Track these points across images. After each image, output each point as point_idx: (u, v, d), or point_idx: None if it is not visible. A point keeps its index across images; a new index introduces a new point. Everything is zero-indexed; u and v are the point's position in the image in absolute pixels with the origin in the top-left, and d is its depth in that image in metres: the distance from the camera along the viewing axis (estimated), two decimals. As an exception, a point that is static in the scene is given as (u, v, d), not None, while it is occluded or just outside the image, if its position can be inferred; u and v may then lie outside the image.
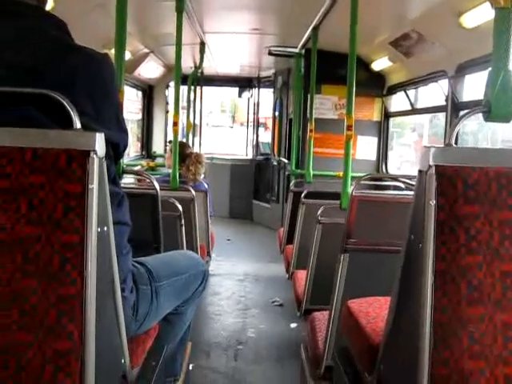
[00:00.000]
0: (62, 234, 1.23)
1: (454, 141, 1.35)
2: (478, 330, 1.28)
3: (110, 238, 1.39)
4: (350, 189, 3.32)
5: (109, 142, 1.44)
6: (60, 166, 1.23)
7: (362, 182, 2.85)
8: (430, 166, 1.31)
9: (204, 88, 8.90)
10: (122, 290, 1.59)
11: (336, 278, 2.55)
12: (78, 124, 1.27)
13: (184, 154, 4.84)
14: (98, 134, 1.25)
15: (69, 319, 1.24)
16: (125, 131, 1.60)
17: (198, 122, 8.45)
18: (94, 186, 1.24)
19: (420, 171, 1.37)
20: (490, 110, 1.38)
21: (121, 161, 2.91)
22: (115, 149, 1.54)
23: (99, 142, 1.26)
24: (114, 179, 1.60)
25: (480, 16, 3.54)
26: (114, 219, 1.42)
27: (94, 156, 1.24)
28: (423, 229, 1.30)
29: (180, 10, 4.16)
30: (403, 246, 1.49)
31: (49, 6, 2.92)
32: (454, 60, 4.32)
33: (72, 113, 1.27)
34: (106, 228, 1.34)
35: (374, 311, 1.95)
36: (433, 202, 1.29)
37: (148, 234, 2.80)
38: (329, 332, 2.56)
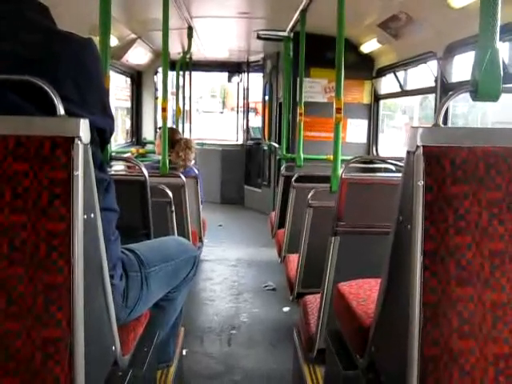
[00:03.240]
0: (47, 221, 1.22)
1: (441, 121, 1.34)
2: (467, 310, 1.28)
3: (97, 225, 1.38)
4: (339, 172, 3.31)
5: (94, 128, 1.42)
6: (44, 153, 1.22)
7: (353, 165, 2.85)
8: (417, 147, 1.30)
9: (193, 73, 8.85)
10: (111, 277, 1.58)
11: (327, 261, 2.55)
12: (61, 110, 1.25)
13: (173, 140, 4.82)
14: (82, 120, 1.24)
15: (57, 307, 1.23)
16: (110, 116, 1.58)
17: (187, 107, 8.40)
18: (79, 172, 1.23)
19: (408, 152, 1.36)
20: (478, 89, 1.37)
21: (109, 147, 2.89)
22: (101, 134, 1.53)
23: (84, 128, 1.24)
24: (101, 165, 1.58)
25: (468, -4, 3.53)
26: (101, 206, 1.41)
27: (79, 142, 1.22)
28: (412, 209, 1.30)
29: (166, -8, 4.12)
30: (392, 227, 1.48)
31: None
32: (443, 41, 4.31)
33: (55, 99, 1.25)
34: (92, 215, 1.33)
35: (365, 293, 1.95)
36: (421, 183, 1.28)
37: (137, 221, 2.78)
38: (321, 315, 2.56)
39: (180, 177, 3.97)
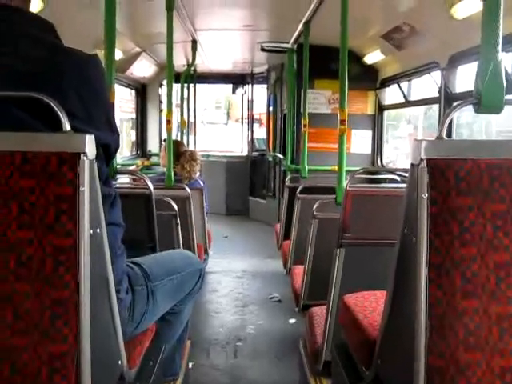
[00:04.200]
0: (54, 237, 1.23)
1: (444, 133, 1.34)
2: (473, 322, 1.28)
3: (103, 240, 1.39)
4: (344, 183, 3.31)
5: (100, 144, 1.43)
6: (50, 169, 1.23)
7: (358, 177, 2.85)
8: (421, 160, 1.30)
9: (198, 85, 8.89)
10: (117, 292, 1.59)
11: (332, 272, 2.55)
12: (67, 126, 1.26)
13: (179, 153, 4.84)
14: (87, 136, 1.25)
15: (63, 322, 1.23)
16: (116, 132, 1.59)
17: (192, 119, 8.43)
18: (86, 188, 1.23)
19: (412, 164, 1.37)
20: (481, 101, 1.37)
21: (114, 161, 2.90)
22: (106, 150, 1.53)
23: (89, 144, 1.25)
24: (106, 180, 1.59)
25: (471, 6, 3.54)
26: (106, 220, 1.41)
27: (85, 158, 1.23)
28: (416, 222, 1.30)
29: (170, 7, 4.15)
30: (397, 240, 1.48)
31: (37, 7, 2.92)
32: (446, 51, 4.32)
33: (61, 115, 1.26)
34: (98, 230, 1.34)
35: (371, 305, 1.95)
36: (425, 195, 1.29)
37: (143, 234, 2.79)
38: (327, 327, 2.56)
39: (185, 189, 3.98)
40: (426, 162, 1.30)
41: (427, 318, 1.28)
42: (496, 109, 1.38)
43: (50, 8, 3.40)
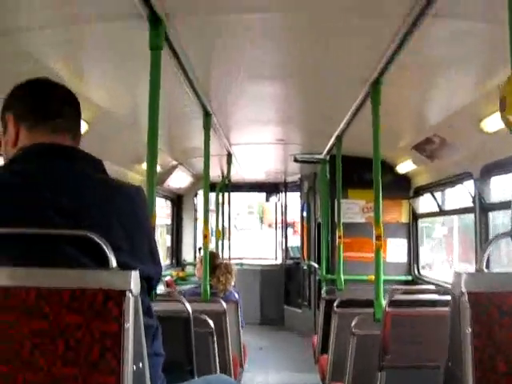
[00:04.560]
0: (98, 375, 1.24)
1: (484, 265, 1.35)
2: None
3: (145, 374, 1.39)
4: (382, 298, 3.28)
5: (143, 276, 1.47)
6: (97, 306, 1.26)
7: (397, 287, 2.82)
8: (462, 293, 1.30)
9: (233, 193, 9.06)
10: (158, 426, 1.57)
11: (374, 396, 2.47)
12: (113, 263, 1.31)
13: (214, 265, 4.87)
14: (133, 273, 1.28)
15: None
16: (158, 264, 1.64)
17: (226, 225, 8.52)
18: (130, 324, 1.26)
19: (453, 296, 1.37)
20: (519, 232, 1.39)
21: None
22: (149, 281, 1.57)
23: (135, 280, 1.29)
24: (149, 311, 1.61)
25: (500, 121, 3.60)
26: (148, 352, 1.42)
27: (130, 295, 1.26)
28: (461, 356, 1.28)
29: (207, 126, 4.34)
30: (442, 372, 1.45)
31: (82, 130, 3.08)
32: (479, 162, 4.37)
33: (108, 252, 1.31)
34: (141, 364, 1.34)
35: None
36: (468, 330, 1.28)
37: (181, 357, 2.77)
38: None
39: (221, 303, 3.97)
40: (467, 295, 1.30)
41: None
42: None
43: (95, 130, 3.59)
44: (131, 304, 1.26)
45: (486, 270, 1.35)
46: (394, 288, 2.74)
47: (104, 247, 1.31)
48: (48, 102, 1.64)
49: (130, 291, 1.27)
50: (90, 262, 1.40)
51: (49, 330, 1.26)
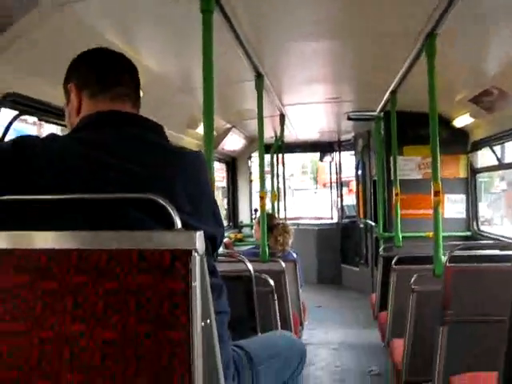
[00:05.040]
0: (168, 330, 1.29)
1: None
2: None
3: (212, 330, 1.44)
4: (442, 254, 3.26)
5: (207, 237, 1.51)
6: (165, 266, 1.31)
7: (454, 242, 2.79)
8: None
9: (287, 154, 9.05)
10: (225, 378, 1.63)
11: (436, 351, 2.48)
12: (178, 224, 1.35)
13: (271, 225, 4.91)
14: (198, 233, 1.32)
15: None
16: (221, 225, 1.68)
17: (281, 186, 8.56)
18: (197, 282, 1.30)
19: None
20: None
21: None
22: (213, 242, 1.62)
23: (200, 240, 1.33)
24: (213, 271, 1.66)
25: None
26: (214, 309, 1.47)
27: (196, 254, 1.30)
28: None
29: (260, 88, 4.35)
30: (506, 324, 1.45)
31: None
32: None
33: (173, 214, 1.35)
34: (208, 321, 1.39)
35: (479, 389, 1.88)
36: (533, 283, 1.27)
37: (244, 314, 2.84)
38: (432, 407, 2.48)
39: (280, 263, 4.03)
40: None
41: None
42: None
43: (149, 95, 3.64)
44: (197, 263, 1.30)
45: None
46: (455, 243, 2.71)
47: (169, 209, 1.35)
48: (108, 71, 1.69)
49: (196, 250, 1.30)
50: (155, 224, 1.44)
51: (120, 289, 1.32)
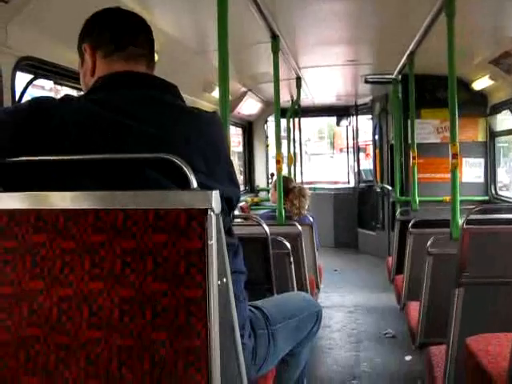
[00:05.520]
0: (185, 288, 1.31)
1: None
2: None
3: (228, 289, 1.46)
4: (459, 218, 3.24)
5: (223, 197, 1.51)
6: (181, 225, 1.32)
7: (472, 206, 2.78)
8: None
9: (303, 118, 9.00)
10: (242, 337, 1.65)
11: (451, 313, 2.49)
12: (194, 184, 1.35)
13: (288, 189, 4.91)
14: (213, 193, 1.33)
15: (196, 369, 1.30)
16: (237, 185, 1.68)
17: (297, 151, 8.53)
18: (213, 241, 1.31)
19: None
20: None
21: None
22: (229, 202, 1.62)
23: (215, 200, 1.33)
24: (229, 230, 1.67)
25: None
26: (231, 269, 1.48)
27: (212, 213, 1.31)
28: None
29: (276, 50, 4.30)
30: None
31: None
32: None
33: (188, 173, 1.35)
34: (225, 279, 1.41)
35: (495, 349, 1.89)
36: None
37: (261, 276, 2.86)
38: (447, 369, 2.49)
39: (296, 225, 4.04)
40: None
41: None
42: None
43: (164, 58, 3.62)
44: (213, 222, 1.31)
45: None
46: (472, 207, 2.70)
47: (185, 169, 1.35)
48: (123, 30, 1.67)
49: (212, 210, 1.31)
50: (171, 184, 1.45)
51: (137, 248, 1.33)
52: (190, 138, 1.52)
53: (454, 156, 3.25)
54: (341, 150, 21.18)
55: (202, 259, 1.31)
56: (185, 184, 1.36)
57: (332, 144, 31.00)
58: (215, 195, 1.33)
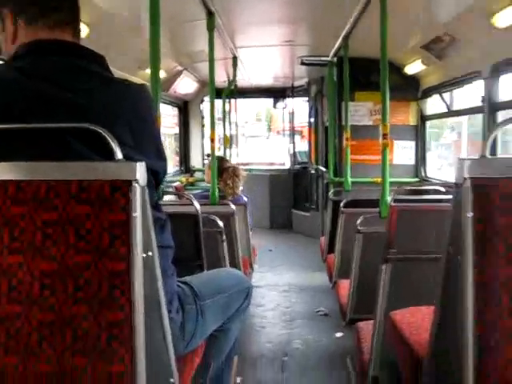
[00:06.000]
0: (109, 261, 1.28)
1: (488, 151, 1.35)
2: None
3: (154, 262, 1.44)
4: (388, 197, 3.32)
5: (149, 170, 1.49)
6: (104, 197, 1.29)
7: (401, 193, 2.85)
8: (465, 179, 1.31)
9: (239, 99, 8.99)
10: (169, 311, 1.64)
11: (378, 288, 2.55)
12: (119, 155, 1.32)
13: (222, 169, 4.90)
14: (138, 164, 1.30)
15: (119, 343, 1.28)
16: (164, 159, 1.66)
17: (234, 133, 8.51)
18: (138, 213, 1.29)
19: (456, 184, 1.38)
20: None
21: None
22: (155, 176, 1.60)
23: (140, 172, 1.31)
24: (156, 205, 1.65)
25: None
26: (158, 243, 1.46)
27: (136, 185, 1.29)
28: (461, 241, 1.31)
29: (211, 27, 4.24)
30: (442, 259, 1.49)
31: (83, 34, 3.04)
32: (489, 60, 4.28)
33: (113, 145, 1.32)
34: (150, 253, 1.39)
35: (417, 322, 1.95)
36: (470, 215, 1.30)
37: (191, 253, 2.85)
38: (373, 343, 2.56)
39: (229, 205, 4.04)
40: (469, 181, 1.31)
41: (475, 337, 1.29)
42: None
43: (97, 33, 3.53)
44: (138, 194, 1.29)
45: (489, 157, 1.35)
46: (400, 187, 2.77)
47: (108, 139, 1.32)
48: None
49: (137, 181, 1.29)
50: (95, 155, 1.41)
51: (59, 220, 1.29)
52: (116, 109, 1.49)
53: (385, 136, 3.32)
54: (278, 133, 21.28)
55: (126, 231, 1.29)
56: (110, 155, 1.33)
57: (269, 126, 31.10)
58: (140, 167, 1.31)
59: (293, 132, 10.06)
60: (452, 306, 1.42)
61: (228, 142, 7.48)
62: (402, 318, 2.01)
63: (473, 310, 1.29)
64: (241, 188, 5.11)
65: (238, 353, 3.06)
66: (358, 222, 3.31)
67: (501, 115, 4.39)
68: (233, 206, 4.05)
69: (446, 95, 5.86)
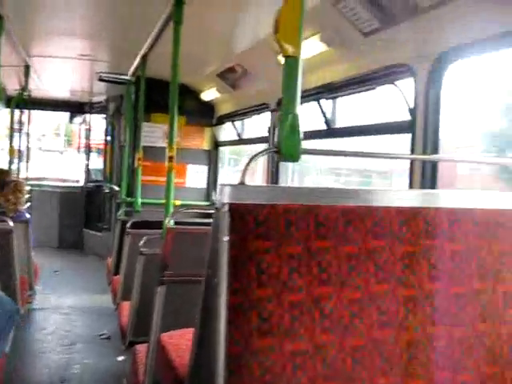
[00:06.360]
0: None
1: (246, 179, 1.41)
2: (269, 360, 1.34)
3: None
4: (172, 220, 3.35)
5: None
6: None
7: (191, 211, 2.89)
8: (223, 204, 1.36)
9: (36, 111, 8.52)
10: None
11: (154, 310, 2.54)
12: None
13: (4, 182, 4.58)
14: None
15: None
16: None
17: (26, 145, 8.03)
18: None
19: (216, 208, 1.42)
20: (281, 150, 1.47)
21: None
22: None
23: None
24: None
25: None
26: None
27: None
28: (218, 264, 1.35)
29: (-1, 31, 3.98)
30: (203, 281, 1.52)
31: None
32: (276, 94, 4.55)
33: None
34: None
35: (185, 343, 1.97)
36: (226, 238, 1.34)
37: None
38: (147, 366, 2.54)
39: (7, 222, 3.78)
40: (228, 206, 1.35)
41: (226, 357, 1.32)
42: (293, 158, 1.48)
43: None
44: None
45: (247, 184, 1.41)
46: (177, 208, 2.80)
47: None
48: None
49: None
50: None
51: None
52: None
53: (170, 159, 3.35)
54: (78, 149, 20.54)
55: None
56: None
57: (68, 142, 29.94)
58: None
59: (89, 149, 9.78)
60: (208, 327, 1.45)
61: (13, 153, 7.02)
62: (171, 340, 2.02)
63: (225, 330, 1.32)
64: (28, 204, 4.83)
65: (11, 380, 2.84)
66: (141, 243, 3.29)
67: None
68: (11, 223, 3.80)
69: (238, 123, 6.12)
